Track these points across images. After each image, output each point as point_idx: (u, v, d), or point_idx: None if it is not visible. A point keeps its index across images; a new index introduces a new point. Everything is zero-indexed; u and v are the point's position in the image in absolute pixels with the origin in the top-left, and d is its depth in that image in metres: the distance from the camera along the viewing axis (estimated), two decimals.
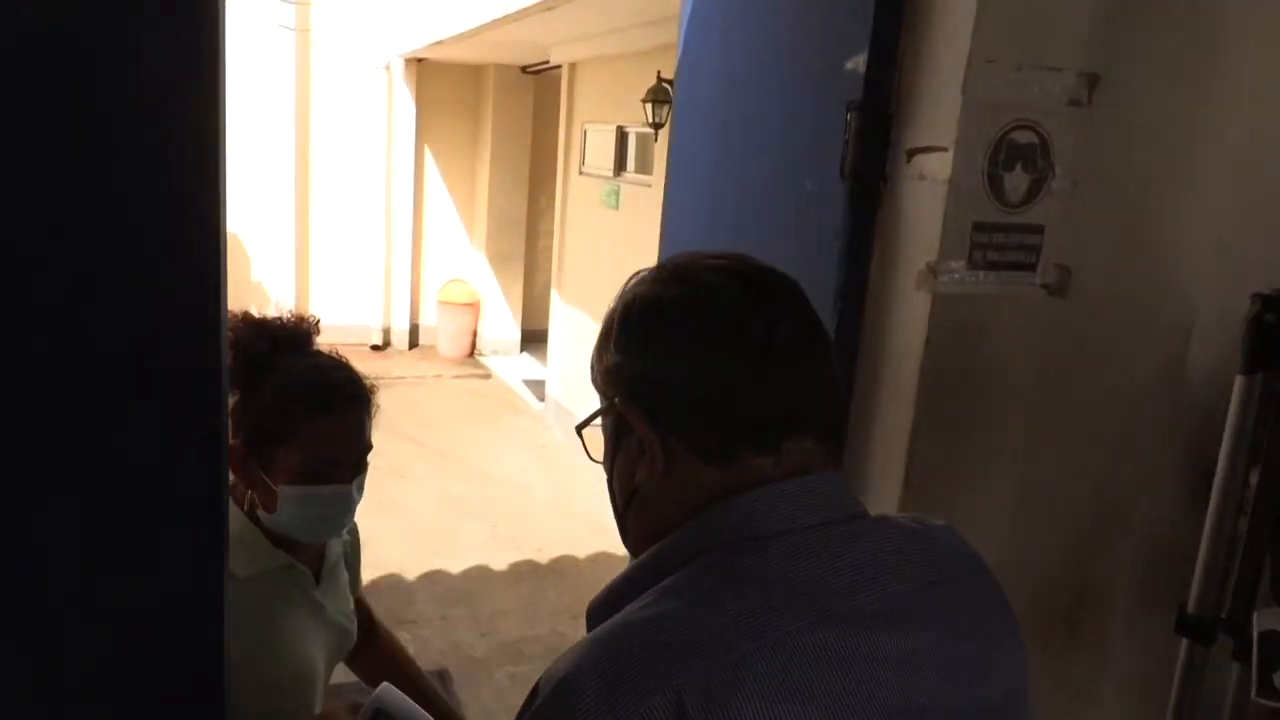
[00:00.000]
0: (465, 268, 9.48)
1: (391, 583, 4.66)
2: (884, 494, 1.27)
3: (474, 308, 9.26)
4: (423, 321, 9.52)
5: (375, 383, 1.32)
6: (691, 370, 0.73)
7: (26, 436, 0.76)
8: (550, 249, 7.74)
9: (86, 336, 0.76)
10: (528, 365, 8.92)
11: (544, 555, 5.08)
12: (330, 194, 8.91)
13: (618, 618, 0.67)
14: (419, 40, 7.51)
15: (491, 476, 6.13)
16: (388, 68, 8.71)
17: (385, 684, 1.17)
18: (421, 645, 4.12)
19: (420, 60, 8.74)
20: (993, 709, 0.71)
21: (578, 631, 0.74)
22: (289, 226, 8.67)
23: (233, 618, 0.85)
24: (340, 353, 1.33)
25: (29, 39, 0.71)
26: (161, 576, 0.82)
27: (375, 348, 9.15)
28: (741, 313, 0.73)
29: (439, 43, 6.98)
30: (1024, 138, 1.20)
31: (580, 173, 6.87)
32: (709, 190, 1.73)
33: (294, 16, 8.18)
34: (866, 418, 1.30)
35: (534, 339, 9.12)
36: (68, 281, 0.75)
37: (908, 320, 1.24)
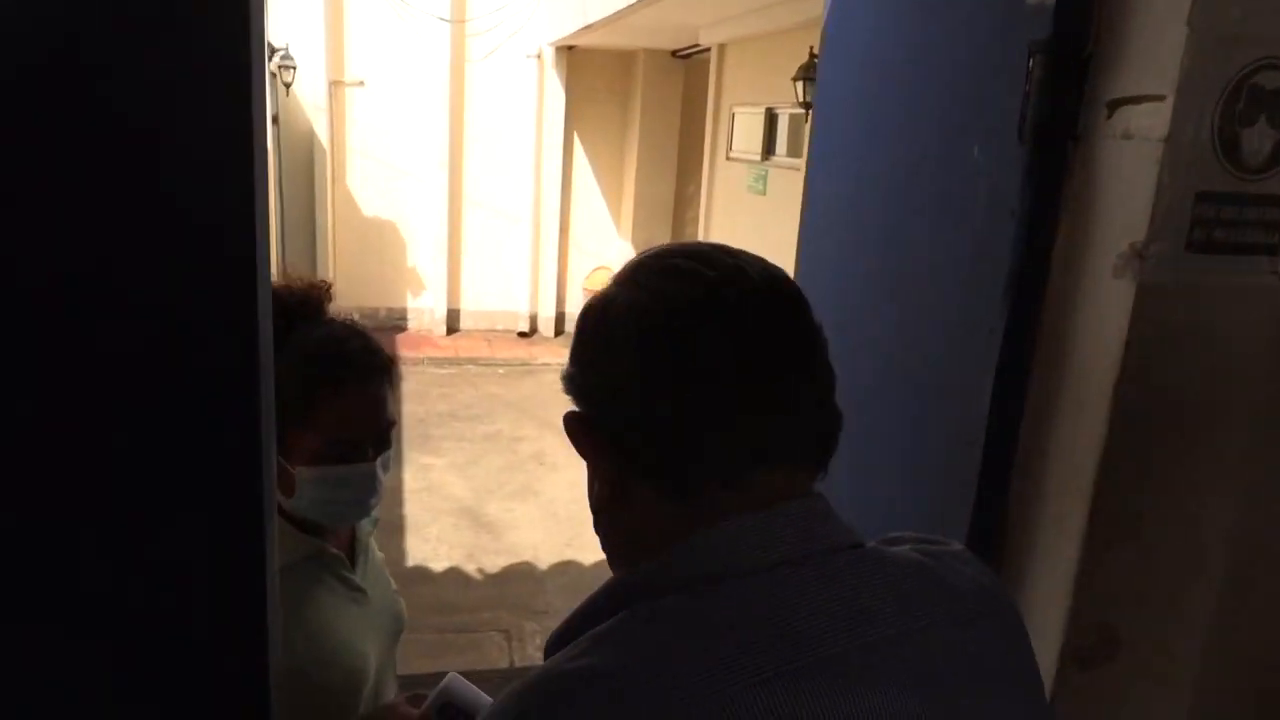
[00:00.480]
0: (611, 255, 9.45)
1: (524, 571, 4.64)
2: (1062, 535, 1.02)
3: None
4: (569, 309, 9.57)
5: (395, 353, 1.21)
6: (639, 393, 0.64)
7: (50, 429, 0.69)
8: (696, 237, 7.58)
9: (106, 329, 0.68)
10: None
11: None
12: (481, 182, 9.08)
13: (547, 664, 0.61)
14: (568, 26, 7.49)
15: None
16: (539, 56, 8.76)
17: (452, 674, 1.10)
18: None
19: (571, 48, 8.74)
20: None
21: None
22: (442, 214, 8.89)
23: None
24: (355, 320, 1.22)
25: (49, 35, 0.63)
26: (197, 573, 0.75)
27: (522, 334, 9.26)
28: (699, 328, 0.64)
29: (588, 28, 6.92)
30: (1272, 81, 0.91)
31: (727, 158, 6.66)
32: (856, 168, 1.50)
33: (450, 8, 8.35)
34: (1043, 440, 1.05)
35: None
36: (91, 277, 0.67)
37: (1102, 318, 0.98)
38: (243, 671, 0.78)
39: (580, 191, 9.47)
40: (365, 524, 1.26)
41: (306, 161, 8.41)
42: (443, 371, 8.13)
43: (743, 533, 0.62)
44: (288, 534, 1.13)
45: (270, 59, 6.90)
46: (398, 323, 9.31)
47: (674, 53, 8.59)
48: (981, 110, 1.11)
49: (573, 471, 5.90)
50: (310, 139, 8.35)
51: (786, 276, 0.69)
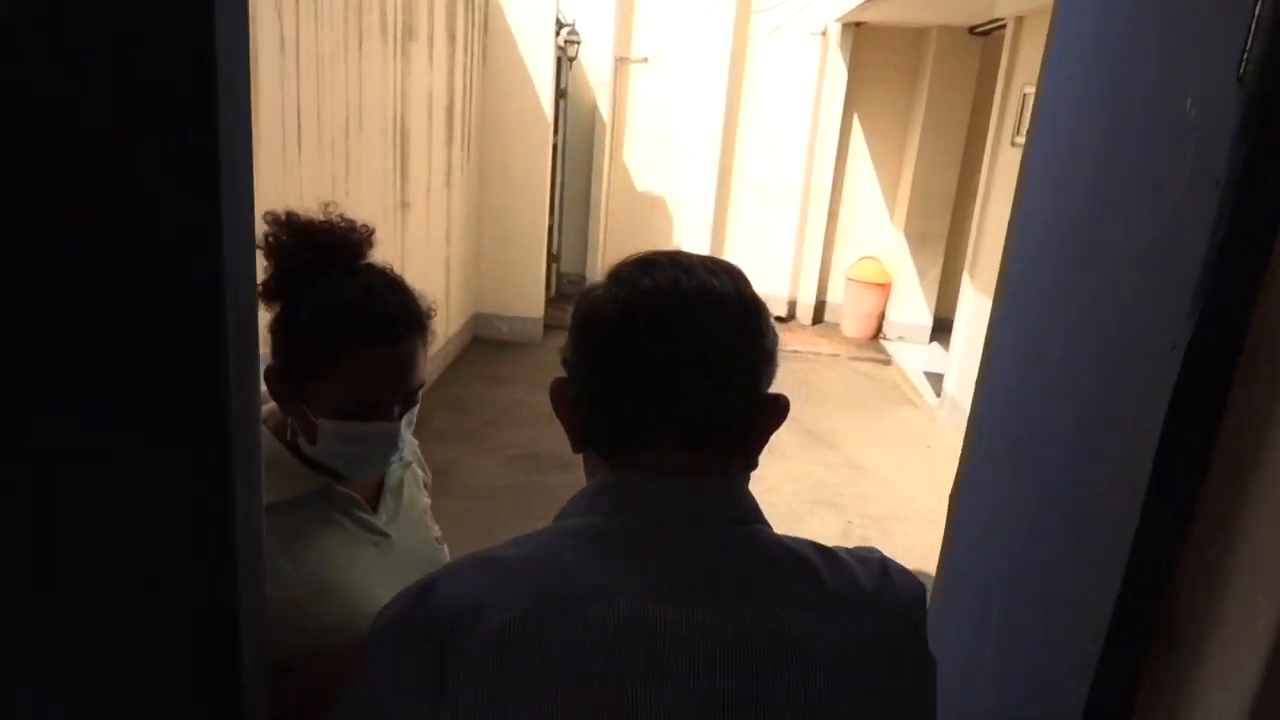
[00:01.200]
0: (881, 245, 8.99)
1: None
2: (1245, 632, 0.74)
3: (884, 288, 8.75)
4: (829, 298, 9.25)
5: (434, 305, 1.12)
6: (573, 375, 0.81)
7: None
8: (971, 229, 6.97)
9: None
10: (934, 355, 8.21)
11: None
12: (753, 161, 8.97)
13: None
14: (854, 0, 7.13)
15: (863, 469, 5.70)
16: (824, 33, 8.45)
17: None
18: None
19: (859, 25, 8.35)
20: None
21: None
22: (711, 191, 8.90)
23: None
24: (392, 269, 1.13)
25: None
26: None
27: (779, 319, 9.07)
28: (601, 327, 0.78)
29: (872, 1, 6.55)
30: None
31: (1013, 144, 6.03)
32: (1070, 142, 1.21)
33: None
34: (1236, 497, 0.77)
35: (948, 328, 8.36)
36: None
37: None
38: (209, 605, 0.75)
39: (854, 176, 9.06)
40: (395, 469, 1.22)
41: (588, 136, 8.75)
42: None
43: (624, 488, 0.77)
44: (296, 471, 1.11)
45: (558, 34, 7.22)
46: None
47: (972, 29, 7.92)
48: (1200, 55, 0.83)
49: (798, 463, 5.69)
50: (593, 114, 8.67)
51: (724, 293, 0.78)
